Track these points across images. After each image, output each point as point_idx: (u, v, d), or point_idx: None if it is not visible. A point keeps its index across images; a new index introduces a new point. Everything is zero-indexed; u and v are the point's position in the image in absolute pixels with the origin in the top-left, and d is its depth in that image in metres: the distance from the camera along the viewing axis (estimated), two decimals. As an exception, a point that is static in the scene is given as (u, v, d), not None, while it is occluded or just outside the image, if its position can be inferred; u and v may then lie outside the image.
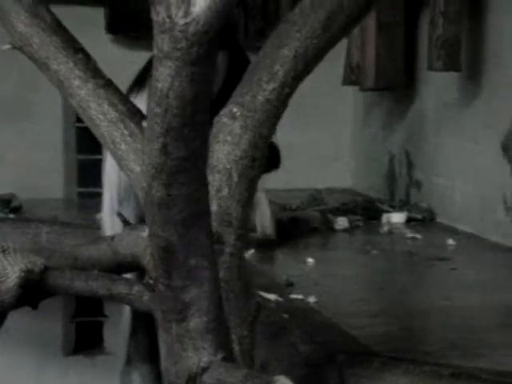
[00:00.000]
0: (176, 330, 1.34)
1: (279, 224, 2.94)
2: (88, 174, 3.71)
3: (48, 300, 1.57)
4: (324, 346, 1.82)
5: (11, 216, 3.24)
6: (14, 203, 3.38)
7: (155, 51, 1.15)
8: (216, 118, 1.52)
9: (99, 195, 2.96)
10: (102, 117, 1.54)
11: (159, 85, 1.16)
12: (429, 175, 3.26)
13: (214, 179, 1.50)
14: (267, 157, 2.83)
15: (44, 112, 3.76)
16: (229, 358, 1.37)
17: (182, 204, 1.23)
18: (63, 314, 3.61)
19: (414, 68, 3.34)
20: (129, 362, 2.42)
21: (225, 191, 1.50)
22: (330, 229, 3.07)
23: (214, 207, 1.48)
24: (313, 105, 3.88)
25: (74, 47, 1.56)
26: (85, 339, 3.63)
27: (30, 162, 3.76)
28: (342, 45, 3.55)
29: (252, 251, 2.68)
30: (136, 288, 1.48)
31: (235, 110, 1.52)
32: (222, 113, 1.52)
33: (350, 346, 1.85)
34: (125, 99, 1.58)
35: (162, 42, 1.14)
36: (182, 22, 1.12)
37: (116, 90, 1.57)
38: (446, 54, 2.85)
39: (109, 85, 1.56)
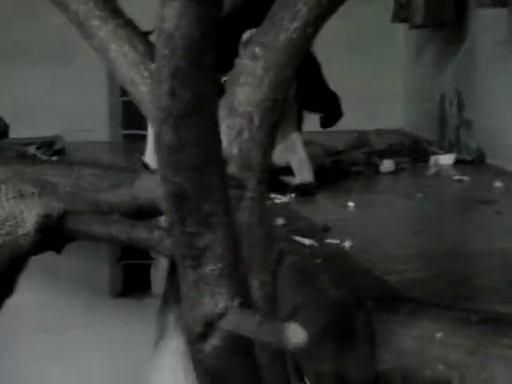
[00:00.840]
0: (192, 276, 1.32)
1: (321, 167, 2.90)
2: (133, 116, 3.70)
3: (94, 242, 1.57)
4: (354, 291, 1.79)
5: (54, 158, 3.26)
6: (58, 145, 3.39)
7: (160, -10, 1.11)
8: (237, 60, 1.48)
9: (144, 137, 2.96)
10: (122, 58, 1.51)
11: (165, 25, 1.12)
12: (479, 115, 3.17)
13: (235, 123, 1.46)
14: (330, 109, 2.83)
15: (88, 54, 3.75)
16: (246, 304, 1.35)
17: (191, 148, 1.20)
18: (110, 257, 3.65)
19: (465, 4, 3.23)
20: (165, 302, 2.42)
21: (245, 135, 1.46)
22: (375, 172, 3.01)
23: (234, 151, 1.45)
24: (362, 44, 3.80)
25: (93, -14, 1.53)
26: (132, 282, 3.66)
27: (75, 105, 3.77)
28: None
29: (291, 195, 2.65)
30: (156, 233, 1.46)
31: (257, 50, 1.48)
32: (242, 54, 1.48)
33: (380, 291, 1.81)
34: (145, 40, 1.55)
35: (166, -20, 1.10)
36: (186, -41, 1.08)
37: (136, 30, 1.54)
38: (494, -10, 2.74)
39: (129, 25, 1.53)
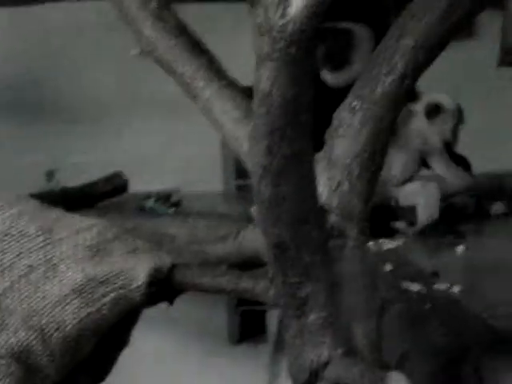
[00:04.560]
0: (295, 326, 1.37)
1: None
2: (245, 167, 3.78)
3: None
4: (462, 337, 1.79)
5: (171, 210, 3.35)
6: (174, 198, 3.49)
7: (256, 53, 1.17)
8: (335, 113, 1.53)
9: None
10: (225, 116, 1.58)
11: (261, 86, 1.19)
12: None
13: (334, 174, 1.51)
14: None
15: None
16: (350, 353, 1.38)
17: (290, 202, 1.25)
18: (227, 303, 3.71)
19: None
20: (277, 349, 2.45)
21: (345, 186, 1.51)
22: (486, 214, 2.99)
23: (335, 202, 1.50)
24: (470, 89, 3.79)
25: (198, 49, 1.61)
26: (249, 328, 3.71)
27: (190, 157, 3.88)
28: (498, 25, 3.45)
29: (400, 240, 2.66)
30: (262, 283, 1.51)
31: (355, 103, 1.53)
32: (341, 107, 1.53)
33: (489, 337, 1.80)
34: (248, 98, 1.61)
35: (261, 43, 1.16)
36: (279, 22, 1.14)
37: (239, 89, 1.61)
38: None
39: (232, 84, 1.60)
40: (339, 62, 2.66)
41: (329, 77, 2.69)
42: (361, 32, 2.69)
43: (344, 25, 2.68)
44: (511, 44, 3.31)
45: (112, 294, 1.43)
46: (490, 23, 3.53)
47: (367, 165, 1.50)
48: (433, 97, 2.69)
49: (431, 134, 2.71)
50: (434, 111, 2.67)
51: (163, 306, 1.59)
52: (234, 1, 3.42)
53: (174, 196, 3.54)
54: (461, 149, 2.89)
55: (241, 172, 3.90)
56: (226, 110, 1.59)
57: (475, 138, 3.01)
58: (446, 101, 2.68)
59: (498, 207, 3.00)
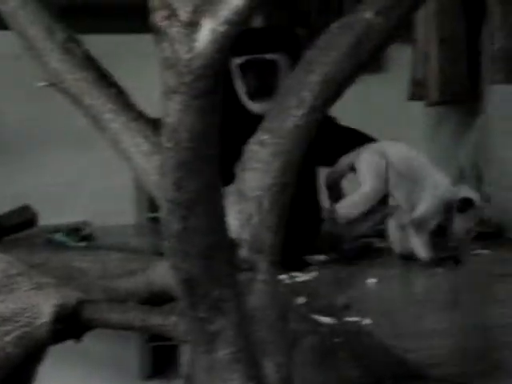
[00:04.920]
0: (204, 361, 1.35)
1: (344, 243, 2.93)
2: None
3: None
4: (373, 370, 1.80)
5: (81, 244, 3.30)
6: (85, 231, 3.44)
7: (163, 86, 1.16)
8: (246, 146, 1.52)
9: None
10: (134, 149, 1.56)
11: (169, 119, 1.17)
12: (497, 189, 3.19)
13: (245, 207, 1.50)
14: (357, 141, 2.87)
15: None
16: (259, 388, 1.37)
17: (200, 236, 1.24)
18: (138, 339, 3.66)
19: (478, 81, 3.28)
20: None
21: (256, 219, 1.50)
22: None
23: (245, 235, 1.49)
24: (380, 122, 3.85)
25: (106, 81, 1.59)
26: (161, 363, 3.67)
27: (101, 190, 3.83)
28: (407, 59, 3.52)
29: (313, 273, 2.67)
30: (171, 319, 1.49)
31: (264, 136, 1.52)
32: (251, 140, 1.52)
33: (400, 369, 1.82)
34: (157, 131, 1.60)
35: (168, 77, 1.15)
36: (186, 57, 1.13)
37: (148, 121, 1.59)
38: (505, 66, 2.79)
39: (141, 117, 1.58)
40: (265, 91, 2.70)
41: (254, 106, 2.72)
42: (284, 62, 2.74)
43: (269, 56, 2.73)
44: (420, 78, 3.38)
45: (16, 332, 1.39)
46: (398, 57, 3.59)
47: (278, 198, 1.49)
48: (465, 192, 2.76)
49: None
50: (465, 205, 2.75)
51: (71, 342, 1.55)
52: (141, 33, 3.42)
53: (85, 229, 3.49)
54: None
55: (153, 205, 3.87)
56: (134, 142, 1.56)
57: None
58: (475, 197, 2.77)
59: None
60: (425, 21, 3.30)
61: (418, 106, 3.65)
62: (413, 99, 3.49)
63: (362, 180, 2.78)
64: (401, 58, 3.60)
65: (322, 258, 2.79)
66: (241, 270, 1.42)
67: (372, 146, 2.83)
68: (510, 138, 3.08)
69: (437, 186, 2.74)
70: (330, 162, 2.88)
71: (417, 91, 3.43)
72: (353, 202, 2.80)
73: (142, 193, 3.92)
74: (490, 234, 3.07)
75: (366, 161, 2.79)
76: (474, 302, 2.38)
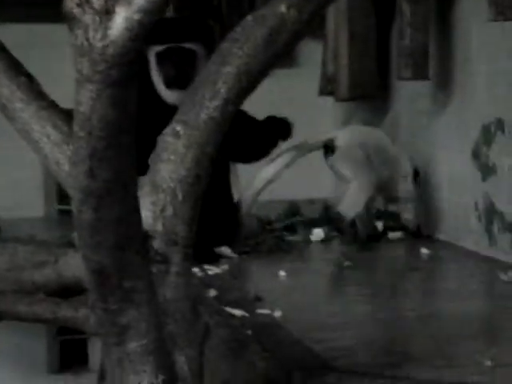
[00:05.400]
0: (116, 354, 1.34)
1: (254, 238, 2.95)
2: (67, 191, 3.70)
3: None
4: (283, 362, 1.81)
5: (-13, 236, 3.23)
6: (-9, 223, 3.37)
7: (75, 74, 1.14)
8: (160, 137, 1.52)
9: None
10: (45, 139, 1.54)
11: (81, 108, 1.16)
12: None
13: (159, 199, 1.49)
14: (279, 127, 2.89)
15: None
16: (171, 381, 1.37)
17: (112, 227, 1.23)
18: (47, 332, 3.61)
19: (388, 77, 3.34)
20: (101, 378, 2.40)
21: (169, 210, 1.49)
22: (306, 240, 3.06)
23: (159, 227, 1.48)
24: (292, 116, 3.88)
25: (16, 70, 1.56)
26: (70, 357, 3.62)
27: (9, 181, 3.76)
28: (319, 55, 3.56)
29: (224, 266, 2.67)
30: (82, 311, 1.47)
31: (178, 128, 1.52)
32: (165, 131, 1.52)
33: (309, 361, 1.83)
34: (69, 120, 1.57)
35: (81, 65, 1.13)
36: (99, 44, 1.12)
37: (60, 111, 1.57)
38: (414, 63, 2.84)
39: (52, 106, 1.56)
40: (182, 81, 2.68)
41: (171, 96, 2.70)
42: (201, 52, 2.73)
43: (188, 45, 2.71)
44: (331, 74, 3.41)
45: None
46: (310, 53, 3.62)
47: (192, 190, 1.49)
48: None
49: None
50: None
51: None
52: (53, 22, 3.36)
53: (-9, 221, 3.42)
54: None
55: (62, 197, 3.82)
56: (45, 132, 1.54)
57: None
58: None
59: (317, 234, 3.08)
60: (335, 17, 3.33)
61: (328, 101, 3.69)
62: (323, 94, 3.52)
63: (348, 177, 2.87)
64: (312, 53, 3.63)
65: (229, 251, 2.80)
66: (154, 261, 1.41)
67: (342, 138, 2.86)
68: (417, 133, 3.14)
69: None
70: (243, 157, 2.89)
71: (327, 86, 3.46)
72: (352, 200, 2.86)
73: (50, 185, 3.87)
74: (406, 231, 3.11)
75: (343, 158, 2.83)
76: (383, 295, 2.42)
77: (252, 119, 2.92)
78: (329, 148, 2.89)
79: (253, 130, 2.90)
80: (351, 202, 2.87)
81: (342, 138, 2.89)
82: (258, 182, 2.83)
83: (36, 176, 3.83)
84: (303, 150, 2.88)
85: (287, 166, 2.84)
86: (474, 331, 2.05)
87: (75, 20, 1.13)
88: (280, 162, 2.84)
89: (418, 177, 2.97)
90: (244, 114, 2.87)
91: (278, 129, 2.96)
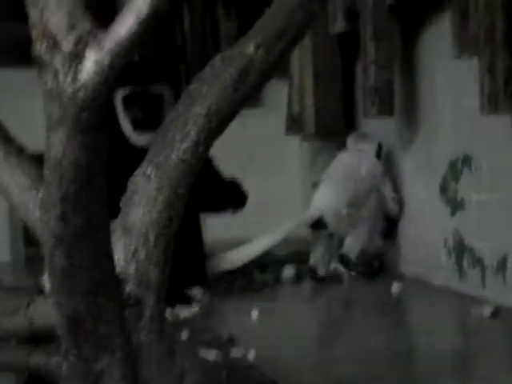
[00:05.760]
0: (90, 401, 1.31)
1: (225, 278, 2.94)
2: (35, 236, 3.66)
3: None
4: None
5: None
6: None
7: (46, 119, 1.13)
8: (130, 180, 1.50)
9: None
10: (13, 184, 1.52)
11: (52, 152, 1.15)
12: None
13: (131, 242, 1.47)
14: (233, 196, 2.88)
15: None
16: (147, 426, 1.34)
17: (85, 272, 1.21)
18: (16, 382, 3.55)
19: (354, 114, 3.36)
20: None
21: (142, 254, 1.47)
22: (277, 279, 3.05)
23: (131, 270, 1.46)
24: (260, 156, 3.89)
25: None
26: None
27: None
28: (284, 94, 3.58)
29: (195, 308, 2.65)
30: (54, 359, 1.45)
31: (149, 170, 1.51)
32: (135, 173, 1.50)
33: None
34: (37, 165, 1.56)
35: (51, 109, 1.12)
36: (70, 88, 1.11)
37: (28, 156, 1.55)
38: (379, 101, 2.86)
39: (20, 152, 1.54)
40: (149, 123, 2.68)
41: (138, 139, 2.70)
42: (168, 94, 2.73)
43: (154, 87, 2.72)
44: (296, 113, 3.43)
45: None
46: (275, 92, 3.64)
47: (163, 232, 1.47)
48: None
49: None
50: None
51: None
52: (22, 66, 3.35)
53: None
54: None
55: (30, 241, 3.78)
56: (13, 177, 1.52)
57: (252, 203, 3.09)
58: None
59: (288, 272, 3.07)
60: (300, 56, 3.36)
61: (295, 140, 3.70)
62: (290, 133, 3.54)
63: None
64: (277, 93, 3.64)
65: (201, 291, 2.78)
66: (127, 305, 1.39)
67: None
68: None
69: None
70: (208, 207, 2.87)
71: (293, 126, 3.47)
72: (353, 246, 3.06)
73: (17, 229, 3.83)
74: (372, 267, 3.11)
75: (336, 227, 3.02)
76: (356, 333, 2.41)
77: (217, 173, 2.90)
78: (321, 225, 3.06)
79: (214, 185, 2.87)
80: (353, 247, 3.05)
81: (328, 208, 3.03)
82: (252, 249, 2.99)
83: (3, 221, 3.80)
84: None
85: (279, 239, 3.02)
86: (449, 368, 2.05)
87: (45, 64, 1.13)
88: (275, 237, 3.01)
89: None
90: (211, 163, 2.85)
91: (235, 197, 2.94)
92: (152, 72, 2.78)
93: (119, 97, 2.72)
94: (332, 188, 3.07)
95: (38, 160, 1.61)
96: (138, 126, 2.71)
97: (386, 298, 2.74)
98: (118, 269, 1.34)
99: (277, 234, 3.01)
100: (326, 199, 3.06)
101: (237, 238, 3.18)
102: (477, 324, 2.37)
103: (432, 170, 2.85)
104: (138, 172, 1.51)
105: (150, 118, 2.70)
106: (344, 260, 3.04)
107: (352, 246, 3.05)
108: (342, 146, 3.45)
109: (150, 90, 2.72)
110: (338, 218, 3.01)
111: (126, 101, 2.72)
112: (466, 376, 2.03)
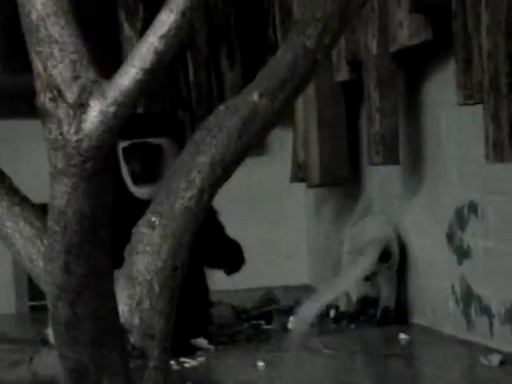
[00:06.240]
0: None
1: (231, 328, 2.92)
2: (40, 287, 3.64)
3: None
4: None
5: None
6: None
7: (50, 168, 1.13)
8: (134, 229, 1.49)
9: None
10: (17, 234, 1.51)
11: (56, 202, 1.14)
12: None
13: (135, 292, 1.46)
14: (231, 257, 2.86)
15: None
16: None
17: (89, 323, 1.20)
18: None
19: (359, 162, 3.36)
20: None
21: (146, 304, 1.46)
22: (283, 328, 3.02)
23: (135, 321, 1.44)
24: (265, 204, 3.88)
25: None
26: None
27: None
28: (289, 142, 3.58)
29: (200, 358, 2.63)
30: (58, 410, 1.42)
31: (153, 219, 1.50)
32: (140, 223, 1.50)
33: None
34: (41, 215, 1.55)
35: (55, 159, 1.12)
36: (74, 138, 1.11)
37: (32, 206, 1.55)
38: (384, 149, 2.86)
39: (24, 201, 1.53)
40: (149, 176, 2.68)
41: (139, 191, 2.69)
42: (168, 146, 2.73)
43: (154, 140, 2.72)
44: (301, 161, 3.43)
45: None
46: (280, 140, 3.64)
47: (168, 281, 1.46)
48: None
49: None
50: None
51: None
52: (26, 117, 3.37)
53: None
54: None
55: (34, 293, 3.76)
56: (17, 228, 1.51)
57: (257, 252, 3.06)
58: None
59: (294, 321, 3.04)
60: (304, 104, 3.37)
61: (300, 188, 3.70)
62: (295, 181, 3.53)
63: None
64: (282, 141, 3.65)
65: (205, 342, 2.76)
66: (131, 356, 1.37)
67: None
68: (389, 218, 3.14)
69: None
70: (205, 259, 2.84)
71: (298, 173, 3.47)
72: None
73: (21, 280, 3.81)
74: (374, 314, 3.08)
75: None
76: (364, 383, 2.38)
77: (221, 228, 2.87)
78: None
79: (216, 239, 2.84)
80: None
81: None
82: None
83: (7, 272, 3.78)
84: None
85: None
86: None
87: (48, 114, 1.13)
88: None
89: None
90: (216, 218, 2.82)
91: (234, 258, 2.90)
92: (151, 125, 2.80)
93: (119, 149, 2.72)
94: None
95: (41, 210, 1.61)
96: (136, 179, 2.71)
97: (393, 346, 2.70)
98: (122, 319, 1.33)
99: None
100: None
101: (240, 287, 3.16)
102: (486, 373, 2.34)
103: (438, 218, 2.84)
104: (143, 221, 1.50)
105: (148, 171, 2.70)
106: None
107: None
108: (348, 193, 3.45)
109: (149, 143, 2.73)
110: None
111: (126, 153, 2.73)
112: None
